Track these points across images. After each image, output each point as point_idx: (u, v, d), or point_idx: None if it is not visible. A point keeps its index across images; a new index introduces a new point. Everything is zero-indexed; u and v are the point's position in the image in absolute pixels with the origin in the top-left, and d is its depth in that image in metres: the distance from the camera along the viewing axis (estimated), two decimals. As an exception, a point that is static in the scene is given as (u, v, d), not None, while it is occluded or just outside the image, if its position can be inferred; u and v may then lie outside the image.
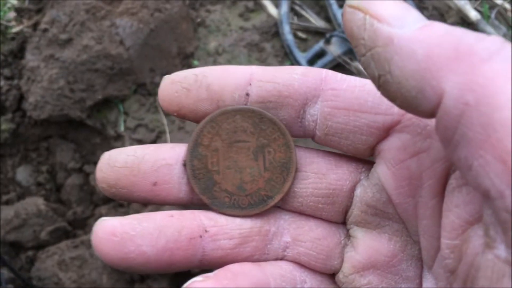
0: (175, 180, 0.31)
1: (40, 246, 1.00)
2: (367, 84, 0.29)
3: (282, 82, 0.30)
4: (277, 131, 0.31)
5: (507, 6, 1.24)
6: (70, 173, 1.07)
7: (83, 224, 1.04)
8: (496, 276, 0.22)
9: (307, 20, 1.24)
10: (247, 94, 0.30)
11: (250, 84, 0.30)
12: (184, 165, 0.31)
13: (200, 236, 0.30)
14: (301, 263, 0.31)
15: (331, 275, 0.32)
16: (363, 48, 0.24)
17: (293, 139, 0.31)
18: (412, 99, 0.23)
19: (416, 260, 0.30)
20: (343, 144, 0.30)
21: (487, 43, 0.21)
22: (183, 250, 0.29)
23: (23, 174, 1.07)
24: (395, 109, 0.29)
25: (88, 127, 1.08)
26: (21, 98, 1.09)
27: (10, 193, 1.05)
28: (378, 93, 0.29)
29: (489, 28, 1.17)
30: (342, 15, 0.25)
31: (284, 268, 0.31)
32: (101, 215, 0.87)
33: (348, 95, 0.29)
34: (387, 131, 0.29)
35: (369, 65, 0.24)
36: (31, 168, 1.08)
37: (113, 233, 0.28)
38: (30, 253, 0.99)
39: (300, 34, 1.22)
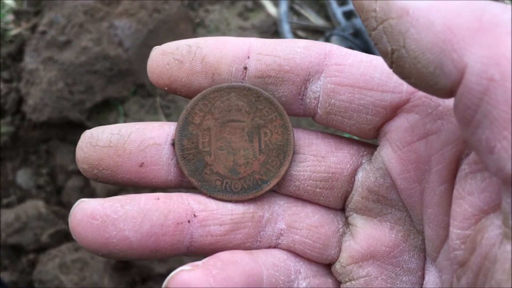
0: (163, 161, 0.29)
1: (41, 249, 0.99)
2: (374, 60, 0.27)
3: (283, 55, 0.28)
4: (274, 111, 0.29)
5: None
6: (70, 175, 1.07)
7: (84, 227, 1.04)
8: None
9: (307, 19, 1.23)
10: (245, 68, 0.28)
11: (249, 57, 0.28)
12: (173, 144, 0.29)
13: (188, 221, 0.28)
14: (296, 252, 0.30)
15: (328, 265, 0.31)
16: (374, 21, 0.22)
17: (291, 118, 0.29)
18: (430, 75, 0.21)
19: (419, 251, 0.29)
20: (346, 124, 0.28)
21: None
22: (170, 235, 0.27)
23: (23, 177, 1.07)
24: (404, 87, 0.27)
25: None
26: (20, 100, 1.08)
27: (10, 196, 1.05)
28: (386, 69, 0.27)
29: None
30: None
31: (277, 257, 0.29)
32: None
33: (353, 71, 0.27)
34: (394, 111, 0.27)
35: (381, 40, 0.22)
36: (31, 171, 1.08)
37: (93, 216, 0.26)
38: (31, 256, 0.99)
39: (300, 33, 1.21)
